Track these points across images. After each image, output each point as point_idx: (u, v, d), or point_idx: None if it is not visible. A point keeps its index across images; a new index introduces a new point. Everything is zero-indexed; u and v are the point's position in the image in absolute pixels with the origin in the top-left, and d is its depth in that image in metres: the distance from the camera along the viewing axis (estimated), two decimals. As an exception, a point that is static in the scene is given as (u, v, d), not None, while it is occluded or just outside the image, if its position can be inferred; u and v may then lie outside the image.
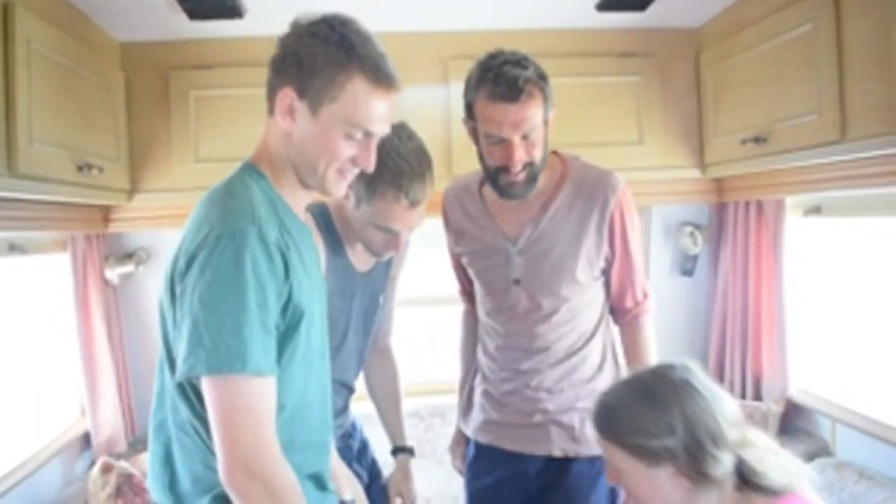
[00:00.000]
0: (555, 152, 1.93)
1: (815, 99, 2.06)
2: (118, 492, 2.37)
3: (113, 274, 2.80)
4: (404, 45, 2.67)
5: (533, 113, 1.73)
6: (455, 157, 2.63)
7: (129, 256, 2.88)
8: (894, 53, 1.76)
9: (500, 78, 1.70)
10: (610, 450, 1.41)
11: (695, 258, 3.11)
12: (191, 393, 1.30)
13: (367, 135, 1.35)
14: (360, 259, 1.93)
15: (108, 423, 2.72)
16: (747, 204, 2.83)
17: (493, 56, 1.76)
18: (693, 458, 1.31)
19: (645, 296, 1.98)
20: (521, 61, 1.73)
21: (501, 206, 1.92)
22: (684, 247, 3.08)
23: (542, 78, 1.75)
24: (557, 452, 1.95)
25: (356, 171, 1.39)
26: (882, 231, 2.39)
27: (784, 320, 2.69)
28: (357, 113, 1.31)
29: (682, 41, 2.80)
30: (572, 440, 1.94)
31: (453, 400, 3.08)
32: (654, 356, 1.95)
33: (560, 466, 1.96)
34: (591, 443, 1.90)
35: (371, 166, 1.39)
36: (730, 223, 2.95)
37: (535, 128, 1.75)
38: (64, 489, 2.52)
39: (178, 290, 1.25)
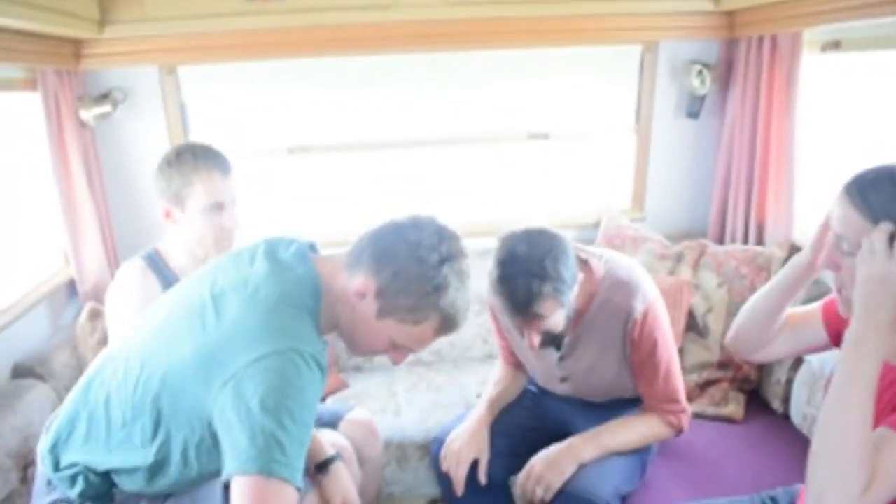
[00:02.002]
0: (587, 262, 1.94)
1: None
2: (107, 338, 2.33)
3: (88, 115, 2.65)
4: None
5: (545, 321, 1.74)
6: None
7: (104, 97, 2.72)
8: None
9: (514, 296, 1.69)
10: (863, 231, 1.25)
11: (701, 99, 2.96)
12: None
13: (412, 350, 1.42)
14: None
15: (93, 269, 2.65)
16: (760, 39, 2.65)
17: (508, 261, 1.70)
18: None
19: (670, 411, 1.97)
20: (534, 273, 1.67)
21: None
22: (691, 87, 2.92)
23: (558, 282, 1.70)
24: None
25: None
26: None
27: (793, 164, 2.58)
28: (417, 341, 1.39)
29: None
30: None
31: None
32: (623, 442, 1.96)
33: None
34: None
35: (399, 364, 1.48)
36: (741, 61, 2.78)
37: (553, 324, 1.76)
38: (52, 337, 2.48)
39: (229, 379, 1.21)
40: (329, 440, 1.97)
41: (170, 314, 1.39)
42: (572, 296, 1.78)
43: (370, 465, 2.19)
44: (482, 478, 1.99)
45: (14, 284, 2.41)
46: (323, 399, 2.64)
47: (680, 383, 1.99)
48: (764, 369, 2.50)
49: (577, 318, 1.93)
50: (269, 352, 1.20)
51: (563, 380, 2.07)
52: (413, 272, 1.31)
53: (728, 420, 2.39)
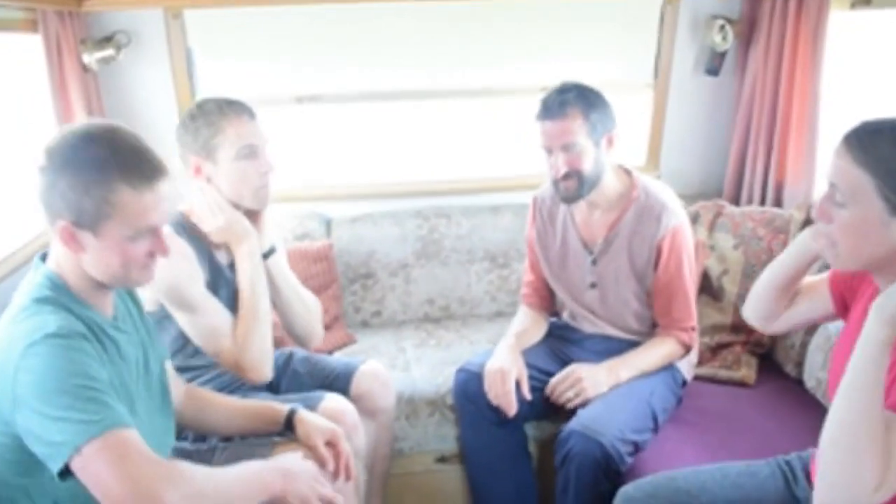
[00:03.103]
0: (630, 173, 2.19)
1: None
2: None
3: (91, 59, 2.57)
4: None
5: (569, 128, 1.99)
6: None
7: (107, 40, 2.63)
8: None
9: (547, 101, 2.03)
10: (856, 181, 1.20)
11: (722, 55, 2.88)
12: None
13: (152, 230, 1.36)
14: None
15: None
16: (787, -7, 2.57)
17: (554, 87, 2.05)
18: None
19: (683, 329, 2.15)
20: (569, 88, 2.03)
21: (582, 217, 2.21)
22: (712, 43, 2.84)
23: (587, 104, 2.01)
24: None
25: (157, 259, 1.41)
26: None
27: (816, 125, 2.51)
28: (135, 219, 1.32)
29: None
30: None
31: (458, 200, 3.03)
32: (649, 362, 2.14)
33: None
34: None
35: (168, 252, 1.41)
36: (765, 17, 2.69)
37: (576, 142, 2.01)
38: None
39: (9, 399, 1.23)
40: (333, 406, 1.93)
41: None
42: (601, 150, 2.06)
43: (383, 416, 2.21)
44: (526, 394, 2.10)
45: (9, 240, 2.34)
46: (330, 352, 2.61)
47: (694, 304, 2.19)
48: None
49: (614, 221, 2.15)
50: (17, 358, 1.22)
51: (593, 285, 2.22)
52: (71, 181, 1.28)
53: (740, 384, 2.37)
